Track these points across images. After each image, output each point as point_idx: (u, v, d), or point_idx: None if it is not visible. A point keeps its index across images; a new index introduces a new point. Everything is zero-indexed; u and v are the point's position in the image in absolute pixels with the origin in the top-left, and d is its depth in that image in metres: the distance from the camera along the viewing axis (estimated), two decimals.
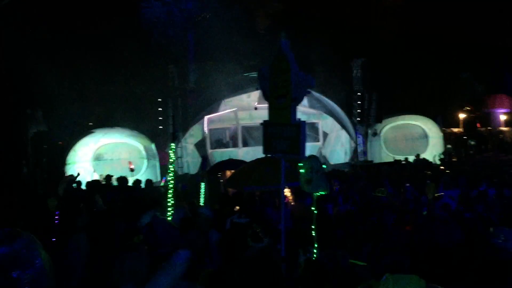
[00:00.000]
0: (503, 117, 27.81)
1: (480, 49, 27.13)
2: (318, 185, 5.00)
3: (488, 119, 28.41)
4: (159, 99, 18.73)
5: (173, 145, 7.85)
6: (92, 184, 9.90)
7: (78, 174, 12.71)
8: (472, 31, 26.71)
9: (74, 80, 18.60)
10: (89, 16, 18.90)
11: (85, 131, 18.22)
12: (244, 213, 6.85)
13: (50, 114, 15.99)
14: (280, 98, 4.85)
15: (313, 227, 5.25)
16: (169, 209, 7.03)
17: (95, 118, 19.17)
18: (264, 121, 5.17)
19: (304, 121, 4.74)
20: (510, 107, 28.35)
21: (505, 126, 26.91)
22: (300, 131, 4.63)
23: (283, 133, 4.82)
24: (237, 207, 8.32)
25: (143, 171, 18.22)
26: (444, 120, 24.78)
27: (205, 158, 20.05)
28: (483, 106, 28.88)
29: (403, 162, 18.53)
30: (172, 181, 7.36)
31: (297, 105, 4.77)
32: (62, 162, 17.08)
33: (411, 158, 19.33)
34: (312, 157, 5.07)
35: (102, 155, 18.65)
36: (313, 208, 5.32)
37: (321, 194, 7.75)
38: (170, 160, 7.72)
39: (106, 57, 19.53)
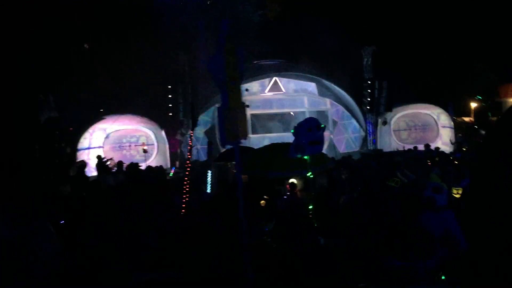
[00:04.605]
0: None
1: (492, 37, 26.72)
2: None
3: (500, 108, 28.04)
4: (169, 86, 18.76)
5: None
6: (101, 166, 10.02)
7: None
8: (484, 18, 26.34)
9: (85, 67, 18.66)
10: (98, 4, 18.93)
11: (96, 118, 18.38)
12: None
13: (61, 100, 16.08)
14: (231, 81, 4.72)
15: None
16: None
17: (105, 105, 19.25)
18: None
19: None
20: None
21: None
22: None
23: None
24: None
25: (153, 157, 18.43)
26: (455, 109, 24.52)
27: (210, 144, 20.05)
28: (495, 95, 28.48)
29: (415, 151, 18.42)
30: None
31: (239, 83, 4.79)
32: (73, 148, 17.28)
33: (421, 148, 19.18)
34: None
35: (113, 141, 18.84)
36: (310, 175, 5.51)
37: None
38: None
39: (116, 44, 19.57)
